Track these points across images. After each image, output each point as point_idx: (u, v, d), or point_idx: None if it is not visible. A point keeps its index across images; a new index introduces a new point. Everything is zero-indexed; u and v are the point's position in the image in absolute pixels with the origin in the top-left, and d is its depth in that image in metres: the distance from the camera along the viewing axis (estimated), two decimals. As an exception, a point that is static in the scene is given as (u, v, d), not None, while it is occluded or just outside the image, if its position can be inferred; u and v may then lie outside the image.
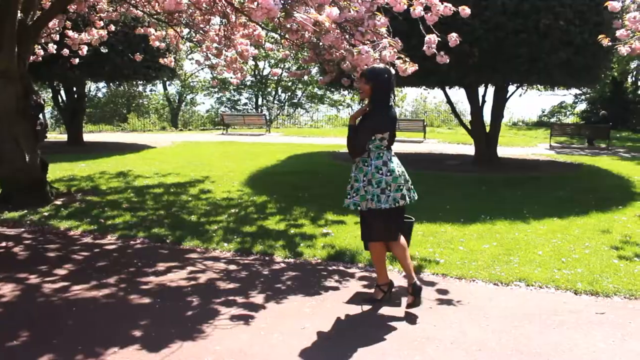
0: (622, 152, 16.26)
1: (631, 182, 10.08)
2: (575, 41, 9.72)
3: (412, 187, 4.01)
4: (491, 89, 12.22)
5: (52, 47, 8.52)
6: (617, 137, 20.30)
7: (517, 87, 12.72)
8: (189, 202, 7.76)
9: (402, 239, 3.99)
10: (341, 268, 4.91)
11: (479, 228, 6.28)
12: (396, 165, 3.88)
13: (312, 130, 25.50)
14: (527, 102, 40.92)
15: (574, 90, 28.62)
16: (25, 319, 3.72)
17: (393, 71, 4.04)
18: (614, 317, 3.83)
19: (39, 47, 8.54)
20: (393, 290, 4.14)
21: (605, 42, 5.61)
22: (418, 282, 3.90)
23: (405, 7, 4.43)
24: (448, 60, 4.91)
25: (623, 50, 5.54)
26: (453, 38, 4.71)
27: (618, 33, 5.59)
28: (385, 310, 3.90)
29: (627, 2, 5.81)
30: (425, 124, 20.14)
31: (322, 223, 6.49)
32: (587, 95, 28.87)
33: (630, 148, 17.46)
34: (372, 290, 4.17)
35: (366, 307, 3.98)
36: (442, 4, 4.56)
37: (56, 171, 10.26)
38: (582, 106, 30.25)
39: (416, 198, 4.01)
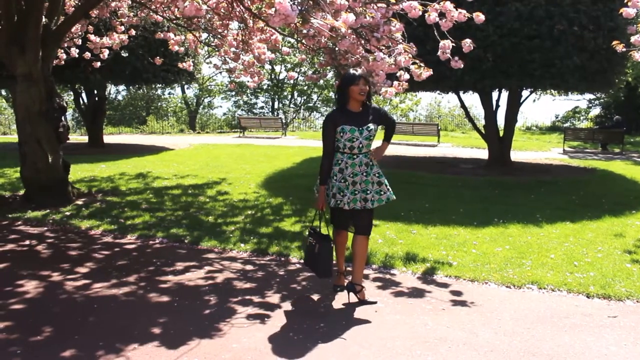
0: (636, 157, 16.01)
1: (645, 187, 10.02)
2: (589, 46, 9.69)
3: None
4: (505, 94, 12.20)
5: (74, 51, 8.70)
6: (631, 141, 20.05)
7: (531, 92, 12.67)
8: (206, 203, 7.85)
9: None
10: (355, 269, 4.96)
11: (492, 231, 6.30)
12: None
13: (327, 133, 25.46)
14: (541, 107, 40.82)
15: (588, 95, 28.26)
16: (48, 315, 3.82)
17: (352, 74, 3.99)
18: (627, 321, 3.83)
19: (62, 51, 8.74)
20: (406, 290, 4.18)
21: (620, 48, 5.62)
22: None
23: (420, 13, 4.49)
24: (462, 65, 4.98)
25: (637, 56, 5.55)
26: (467, 44, 4.75)
27: (633, 39, 5.61)
28: (398, 311, 3.95)
29: (642, 9, 5.80)
30: (439, 128, 20.12)
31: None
32: (601, 100, 28.50)
33: (644, 153, 17.27)
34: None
35: (379, 308, 4.03)
36: (457, 10, 4.60)
37: (77, 172, 10.42)
38: (596, 111, 29.86)
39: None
